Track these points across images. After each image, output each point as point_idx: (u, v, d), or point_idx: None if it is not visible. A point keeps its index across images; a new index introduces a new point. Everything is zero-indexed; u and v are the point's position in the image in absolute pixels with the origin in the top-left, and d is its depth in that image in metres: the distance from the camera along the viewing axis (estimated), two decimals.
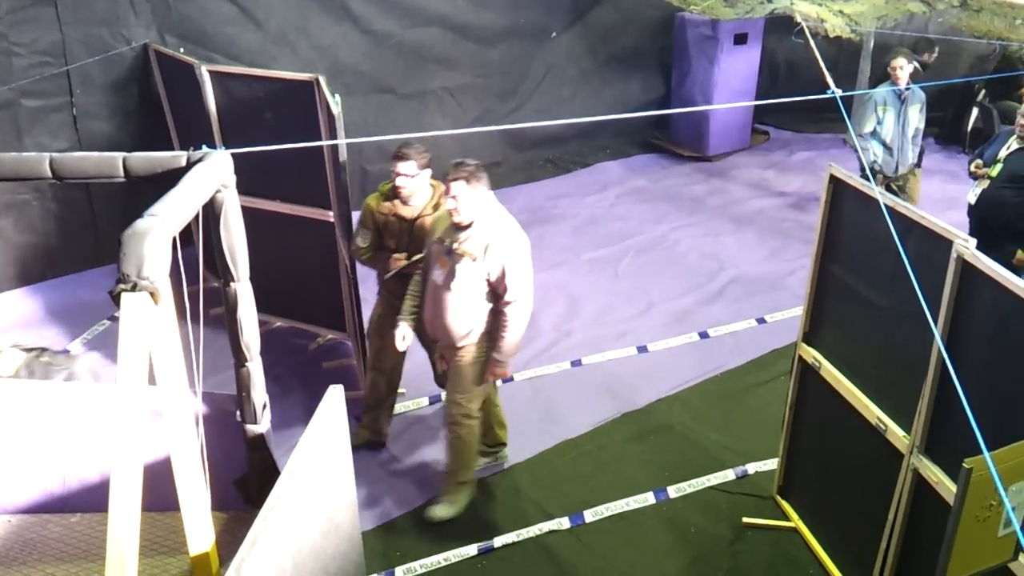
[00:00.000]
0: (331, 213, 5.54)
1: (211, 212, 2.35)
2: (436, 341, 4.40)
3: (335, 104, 4.99)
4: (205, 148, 2.36)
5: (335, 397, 2.82)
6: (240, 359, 2.60)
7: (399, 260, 4.69)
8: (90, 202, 6.76)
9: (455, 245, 4.11)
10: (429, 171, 4.61)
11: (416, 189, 4.57)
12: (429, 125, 8.50)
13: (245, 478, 2.87)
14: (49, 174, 2.36)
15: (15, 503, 2.95)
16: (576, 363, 5.85)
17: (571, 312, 6.50)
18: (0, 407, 2.90)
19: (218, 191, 2.30)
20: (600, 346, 6.03)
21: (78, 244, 6.77)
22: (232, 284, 2.49)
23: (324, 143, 5.26)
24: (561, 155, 9.55)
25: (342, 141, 4.85)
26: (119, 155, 2.37)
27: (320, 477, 2.62)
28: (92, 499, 2.95)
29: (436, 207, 4.55)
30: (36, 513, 2.95)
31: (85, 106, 6.52)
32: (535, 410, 5.36)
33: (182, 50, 6.35)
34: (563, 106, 9.39)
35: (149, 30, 6.66)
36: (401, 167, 4.49)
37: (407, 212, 4.62)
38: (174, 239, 1.98)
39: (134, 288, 1.86)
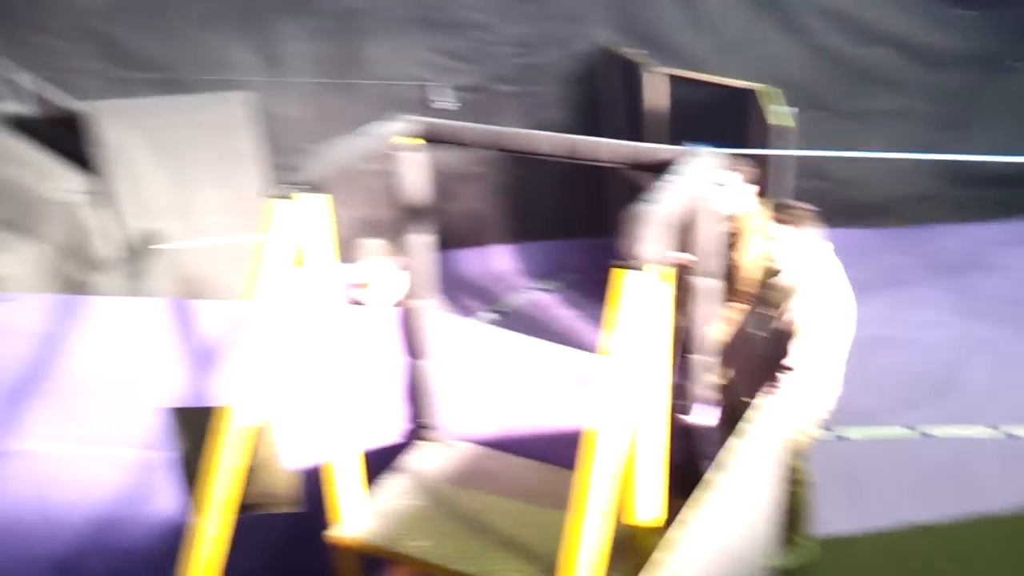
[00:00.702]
0: None
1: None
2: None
3: (783, 116, 4.97)
4: (696, 146, 2.49)
5: (768, 404, 2.85)
6: (688, 349, 2.72)
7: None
8: (535, 183, 7.43)
9: (766, 291, 3.79)
10: None
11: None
12: (862, 146, 8.09)
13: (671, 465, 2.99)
14: (544, 150, 2.66)
15: (466, 431, 3.37)
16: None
17: (999, 372, 5.83)
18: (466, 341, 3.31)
19: (708, 186, 2.42)
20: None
21: (521, 218, 7.50)
22: (695, 277, 2.61)
23: (763, 152, 5.26)
24: (1011, 198, 8.55)
25: (783, 152, 4.83)
26: (603, 141, 2.59)
27: (747, 480, 2.67)
28: (531, 446, 3.28)
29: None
30: (480, 445, 3.35)
31: (544, 96, 7.19)
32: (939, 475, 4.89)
33: (635, 51, 6.71)
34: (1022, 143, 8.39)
35: (607, 30, 7.14)
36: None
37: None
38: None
39: (636, 267, 2.04)
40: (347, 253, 3.48)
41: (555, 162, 2.81)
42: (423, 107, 6.89)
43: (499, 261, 7.54)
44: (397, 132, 2.80)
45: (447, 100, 6.91)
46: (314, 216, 2.57)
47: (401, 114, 6.38)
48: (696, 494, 2.84)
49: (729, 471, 2.51)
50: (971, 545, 4.43)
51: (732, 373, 3.77)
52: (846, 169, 7.87)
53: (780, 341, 3.71)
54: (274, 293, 2.48)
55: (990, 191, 8.52)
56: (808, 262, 3.74)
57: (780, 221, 3.73)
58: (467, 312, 6.59)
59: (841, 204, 8.15)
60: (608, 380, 2.05)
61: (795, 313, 3.69)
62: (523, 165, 7.29)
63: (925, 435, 5.25)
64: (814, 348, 3.70)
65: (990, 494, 4.71)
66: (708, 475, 2.80)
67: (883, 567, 4.36)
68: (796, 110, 4.91)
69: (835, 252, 7.66)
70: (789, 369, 3.71)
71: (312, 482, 3.42)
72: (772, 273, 3.82)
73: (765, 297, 3.81)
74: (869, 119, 8.21)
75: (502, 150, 2.73)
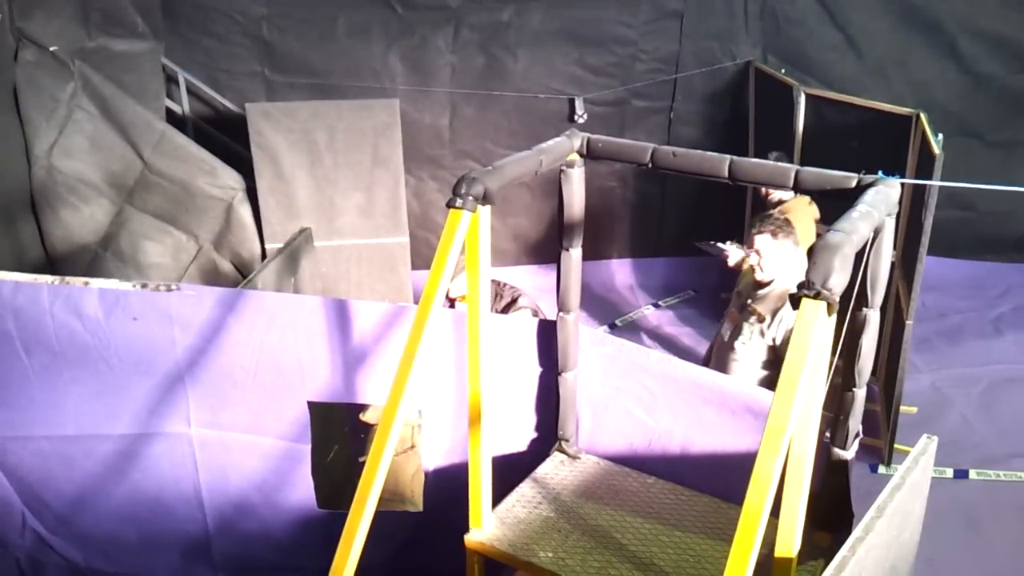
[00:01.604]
0: None
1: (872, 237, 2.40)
2: None
3: (937, 144, 4.81)
4: (881, 175, 2.41)
5: (927, 447, 2.73)
6: (849, 383, 2.63)
7: None
8: (662, 200, 7.39)
9: (749, 301, 3.82)
10: None
11: None
12: (1010, 177, 7.71)
13: (815, 497, 2.91)
14: (726, 174, 2.62)
15: (604, 447, 3.36)
16: None
17: None
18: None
19: (887, 217, 2.34)
20: None
21: (644, 233, 7.47)
22: (864, 309, 2.53)
23: (914, 181, 5.08)
24: None
25: (929, 182, 4.65)
26: (792, 167, 2.53)
27: (900, 522, 2.56)
28: (669, 468, 3.24)
29: None
30: (617, 462, 3.33)
31: (682, 112, 7.14)
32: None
33: (783, 71, 6.58)
34: None
35: (755, 48, 7.03)
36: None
37: None
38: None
39: (816, 296, 1.98)
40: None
41: (691, 179, 2.78)
42: (560, 120, 6.95)
43: (620, 275, 7.51)
44: (570, 149, 2.81)
45: (581, 114, 6.95)
46: (484, 227, 2.62)
47: (544, 126, 6.44)
48: (844, 530, 2.76)
49: (886, 512, 2.41)
50: None
51: None
52: (991, 200, 7.52)
53: (773, 352, 3.79)
54: (441, 298, 2.54)
55: None
56: (796, 272, 3.78)
57: (763, 233, 3.80)
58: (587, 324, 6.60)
59: (984, 236, 7.82)
60: (779, 408, 2.00)
61: (791, 322, 3.70)
62: (657, 181, 7.27)
63: None
64: None
65: None
66: (855, 511, 2.75)
67: None
68: (942, 136, 4.72)
69: (973, 285, 7.37)
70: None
71: (443, 484, 3.48)
72: (760, 285, 3.87)
73: (751, 306, 3.89)
74: (1018, 149, 7.81)
75: (673, 171, 2.70)
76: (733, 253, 4.75)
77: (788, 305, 3.66)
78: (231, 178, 5.78)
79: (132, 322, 3.22)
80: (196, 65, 6.64)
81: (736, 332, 4.01)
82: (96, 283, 3.19)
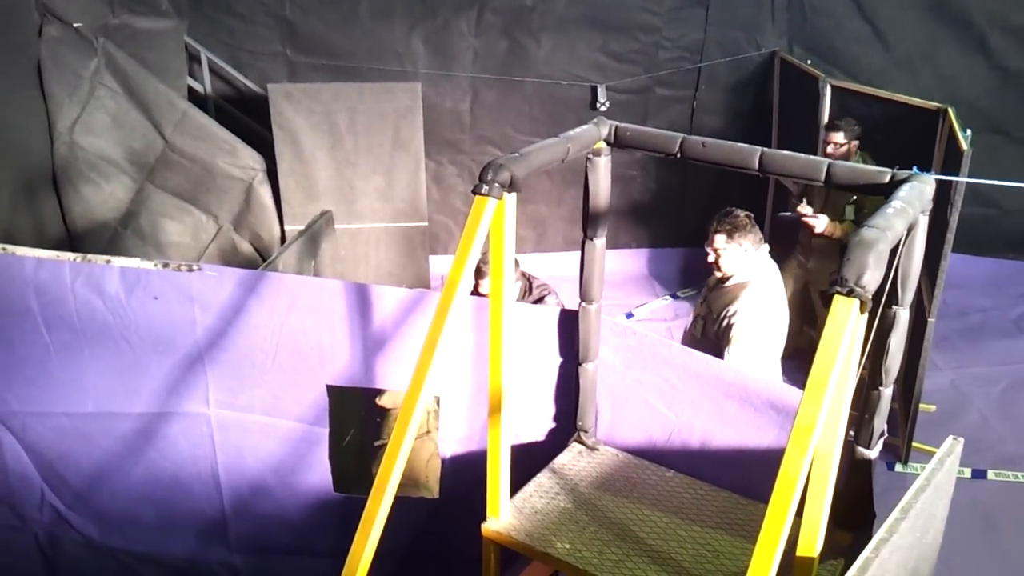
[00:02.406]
0: None
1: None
2: None
3: (965, 140, 4.74)
4: (915, 170, 2.37)
5: (953, 448, 2.70)
6: (875, 381, 2.59)
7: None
8: (683, 189, 7.33)
9: (711, 295, 3.89)
10: None
11: None
12: None
13: (837, 495, 2.88)
14: (756, 166, 2.58)
15: (623, 439, 3.34)
16: None
17: None
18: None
19: (920, 214, 2.30)
20: None
21: (663, 222, 7.42)
22: (894, 307, 2.49)
23: (946, 177, 5.00)
24: None
25: (964, 179, 4.59)
26: (824, 160, 2.49)
27: (923, 524, 2.53)
28: (688, 462, 3.22)
29: None
30: (636, 455, 3.31)
31: (705, 101, 7.07)
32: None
33: (809, 62, 6.49)
34: None
35: (781, 39, 6.93)
36: None
37: None
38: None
39: (850, 293, 1.95)
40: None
41: (712, 169, 2.74)
42: (582, 107, 6.89)
43: (638, 264, 7.46)
44: (597, 137, 2.78)
45: (604, 101, 6.89)
46: (510, 214, 2.59)
47: (565, 113, 6.34)
48: (865, 529, 2.74)
49: (910, 513, 2.38)
50: None
51: None
52: (1016, 198, 7.42)
53: (716, 345, 3.78)
54: (466, 285, 2.52)
55: None
56: (755, 265, 3.84)
57: (720, 231, 3.78)
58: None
59: (1008, 235, 7.72)
60: (809, 405, 1.97)
61: (736, 312, 3.76)
62: (678, 171, 7.21)
63: None
64: (751, 353, 3.73)
65: None
66: (877, 510, 2.72)
67: None
68: (970, 132, 4.64)
69: (995, 283, 7.27)
70: None
71: (460, 472, 3.47)
72: (721, 280, 3.90)
73: (705, 303, 3.98)
74: None
75: (702, 162, 2.66)
76: (820, 220, 5.18)
77: (740, 301, 3.78)
78: (252, 158, 5.78)
79: (153, 301, 3.22)
80: (219, 44, 6.62)
81: (695, 324, 4.08)
82: (118, 261, 3.19)
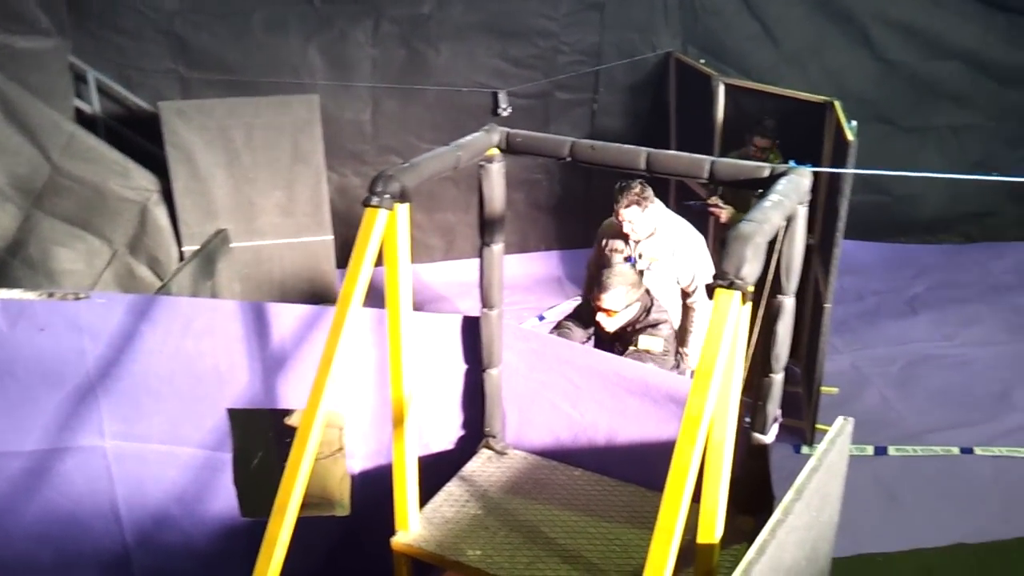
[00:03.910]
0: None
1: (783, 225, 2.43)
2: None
3: (851, 131, 4.92)
4: (792, 164, 2.44)
5: (843, 428, 2.78)
6: (767, 368, 2.67)
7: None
8: (587, 190, 7.41)
9: (638, 255, 4.26)
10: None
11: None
12: (923, 162, 7.96)
13: (736, 481, 2.95)
14: (643, 167, 2.62)
15: (531, 441, 3.35)
16: None
17: None
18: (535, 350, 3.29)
19: (799, 205, 2.37)
20: None
21: (570, 224, 7.48)
22: (779, 296, 2.56)
23: (830, 170, 5.18)
24: None
25: (840, 171, 4.77)
26: (707, 158, 2.55)
27: (819, 503, 2.61)
28: (595, 460, 3.25)
29: None
30: (544, 456, 3.33)
31: (605, 104, 7.17)
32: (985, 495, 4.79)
33: (703, 61, 6.64)
34: None
35: (675, 39, 7.09)
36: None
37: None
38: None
39: (730, 286, 2.00)
40: None
41: (611, 171, 2.79)
42: (484, 113, 6.90)
43: (547, 267, 7.51)
44: (489, 144, 2.79)
45: (505, 107, 6.92)
46: (402, 224, 2.58)
47: (467, 120, 6.35)
48: (766, 513, 2.80)
49: (804, 493, 2.45)
50: (1015, 566, 4.34)
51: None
52: (904, 184, 7.76)
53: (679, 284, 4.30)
54: (360, 298, 2.49)
55: None
56: (664, 215, 4.35)
57: (630, 205, 4.16)
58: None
59: (898, 219, 8.06)
60: (696, 396, 2.01)
61: (690, 257, 4.26)
62: (581, 173, 7.28)
63: (966, 452, 5.15)
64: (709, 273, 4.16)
65: None
66: (778, 492, 2.80)
67: None
68: (855, 123, 4.83)
69: (888, 267, 7.55)
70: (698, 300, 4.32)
71: (370, 487, 3.43)
72: (649, 236, 4.28)
73: (644, 256, 4.30)
74: (931, 134, 8.07)
75: (592, 164, 2.70)
76: (725, 211, 5.35)
77: (681, 243, 4.26)
78: (145, 179, 5.60)
79: (39, 333, 3.09)
80: (107, 63, 6.40)
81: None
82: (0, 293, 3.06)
